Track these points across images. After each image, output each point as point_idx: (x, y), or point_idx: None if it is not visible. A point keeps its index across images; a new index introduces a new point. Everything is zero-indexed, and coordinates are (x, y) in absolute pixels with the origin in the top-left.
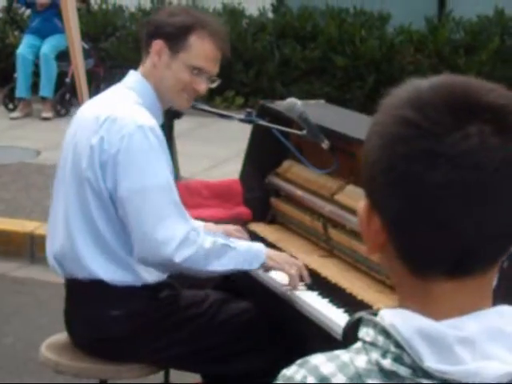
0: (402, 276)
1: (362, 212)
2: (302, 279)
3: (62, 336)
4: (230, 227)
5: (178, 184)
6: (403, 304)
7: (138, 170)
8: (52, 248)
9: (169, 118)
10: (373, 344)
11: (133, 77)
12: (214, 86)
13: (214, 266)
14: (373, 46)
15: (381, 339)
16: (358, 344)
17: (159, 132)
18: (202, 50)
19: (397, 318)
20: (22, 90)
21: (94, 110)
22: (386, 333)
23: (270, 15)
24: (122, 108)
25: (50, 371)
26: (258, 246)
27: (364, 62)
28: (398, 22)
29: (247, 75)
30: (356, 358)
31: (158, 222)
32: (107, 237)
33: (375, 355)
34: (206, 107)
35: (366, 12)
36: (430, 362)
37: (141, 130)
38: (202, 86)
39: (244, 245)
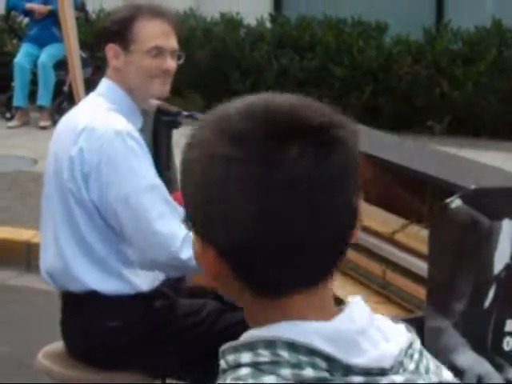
0: (250, 300)
1: (196, 247)
2: None
3: (59, 344)
4: None
5: (175, 194)
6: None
7: (123, 176)
8: (43, 262)
9: (167, 129)
10: (274, 362)
11: (103, 83)
12: (181, 61)
13: None
14: (370, 56)
15: (285, 354)
16: (242, 371)
17: (137, 136)
18: (149, 31)
19: (282, 330)
20: (19, 98)
21: (69, 120)
22: (289, 346)
23: (268, 25)
24: (98, 117)
25: (47, 379)
26: None
27: (362, 72)
28: (396, 31)
29: (244, 85)
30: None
31: (155, 222)
32: (96, 247)
33: (286, 371)
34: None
35: (364, 22)
36: (347, 359)
37: (119, 136)
38: (168, 63)
39: None
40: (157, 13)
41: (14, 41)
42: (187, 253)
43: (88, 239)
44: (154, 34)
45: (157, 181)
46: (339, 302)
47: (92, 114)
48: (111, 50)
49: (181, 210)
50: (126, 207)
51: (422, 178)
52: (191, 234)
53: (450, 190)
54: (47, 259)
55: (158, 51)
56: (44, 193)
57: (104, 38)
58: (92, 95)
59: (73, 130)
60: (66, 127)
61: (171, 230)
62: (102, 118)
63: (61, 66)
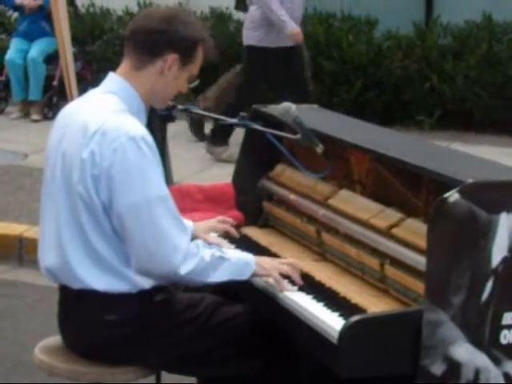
0: None
1: None
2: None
3: (56, 339)
4: (215, 223)
5: (170, 188)
6: None
7: (135, 184)
8: (44, 259)
9: (162, 122)
10: None
11: (114, 80)
12: (192, 85)
13: (212, 278)
14: (360, 51)
15: None
16: None
17: (150, 140)
18: (201, 58)
19: None
20: (18, 94)
21: (79, 117)
22: None
23: None
24: (111, 119)
25: (42, 374)
26: (247, 256)
27: (351, 66)
28: (386, 26)
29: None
30: None
31: (160, 236)
32: (100, 249)
33: None
34: (201, 111)
35: (354, 17)
36: None
37: (133, 142)
38: (186, 88)
39: (235, 255)
40: (209, 44)
41: (4, 35)
42: (186, 268)
43: (93, 241)
44: (200, 63)
45: (166, 192)
46: (336, 295)
47: (104, 116)
48: (173, 60)
49: (187, 225)
50: (133, 215)
51: (419, 172)
52: (191, 246)
53: (447, 184)
54: (48, 256)
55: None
56: (45, 190)
57: (170, 44)
58: (99, 92)
59: (83, 132)
60: (73, 126)
61: (175, 243)
62: (115, 121)
63: (51, 60)
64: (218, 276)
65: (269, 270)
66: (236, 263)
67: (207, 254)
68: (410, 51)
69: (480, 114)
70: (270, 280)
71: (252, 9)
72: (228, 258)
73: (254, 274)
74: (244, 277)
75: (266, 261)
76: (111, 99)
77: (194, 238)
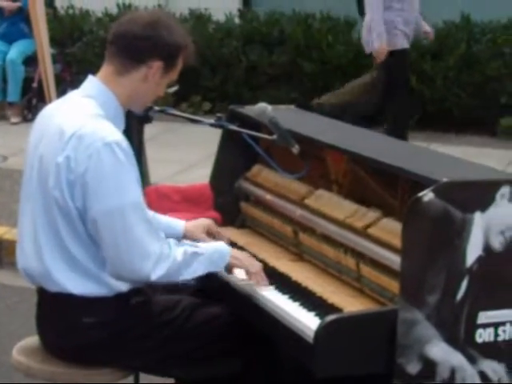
0: None
1: None
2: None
3: (34, 340)
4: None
5: (147, 189)
6: None
7: (109, 191)
8: (21, 261)
9: (139, 123)
10: None
11: (93, 84)
12: (171, 90)
13: (185, 275)
14: (339, 52)
15: None
16: None
17: (126, 145)
18: (181, 66)
19: None
20: None
21: (57, 121)
22: None
23: (237, 21)
24: (88, 124)
25: (21, 375)
26: (223, 247)
27: (331, 67)
28: None
29: (214, 81)
30: None
31: (132, 243)
32: (76, 253)
33: None
34: (177, 112)
35: (333, 17)
36: None
37: (108, 148)
38: (164, 92)
39: (210, 247)
40: (190, 50)
41: None
42: (158, 273)
43: (69, 245)
44: (181, 67)
45: (140, 198)
46: (313, 294)
47: (81, 121)
48: (158, 68)
49: (160, 231)
50: (107, 222)
51: (395, 171)
52: (164, 249)
53: (422, 183)
54: (24, 257)
55: None
56: (23, 192)
57: (155, 51)
58: (76, 95)
59: (60, 136)
60: (50, 130)
61: (147, 250)
62: (92, 126)
63: (30, 62)
64: (192, 272)
65: (243, 261)
66: (210, 256)
67: (179, 253)
68: None
69: (460, 115)
70: (244, 273)
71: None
72: (201, 253)
73: (229, 265)
74: (219, 268)
75: (241, 254)
76: (89, 104)
77: (187, 237)
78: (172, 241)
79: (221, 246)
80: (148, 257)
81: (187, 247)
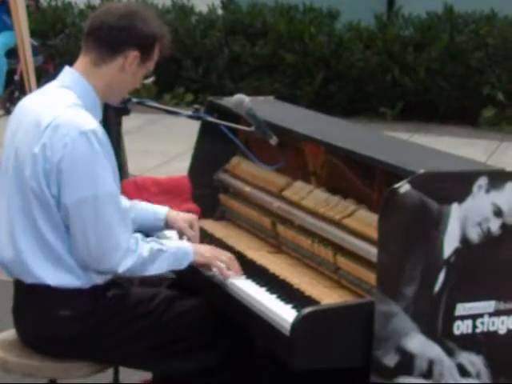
0: None
1: None
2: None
3: (10, 333)
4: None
5: (126, 181)
6: None
7: (83, 179)
8: None
9: (117, 115)
10: None
11: (70, 75)
12: (148, 81)
13: (150, 271)
14: (322, 43)
15: None
16: None
17: (102, 135)
18: (157, 56)
19: None
20: None
21: (34, 111)
22: None
23: (220, 12)
24: (64, 113)
25: None
26: (186, 245)
27: (313, 58)
28: (347, 18)
29: (196, 72)
30: None
31: (102, 233)
32: (53, 243)
33: None
34: (155, 104)
35: (315, 9)
36: None
37: (84, 136)
38: (140, 84)
39: (174, 245)
40: (167, 40)
41: None
42: (125, 266)
43: (45, 235)
44: (157, 58)
45: (114, 189)
46: (290, 287)
47: (57, 110)
48: (134, 57)
49: (128, 221)
50: (79, 210)
51: (372, 163)
52: (131, 244)
53: (399, 174)
54: (1, 250)
55: None
56: (0, 183)
57: (130, 41)
58: (53, 86)
59: (36, 126)
60: (27, 121)
61: (116, 242)
62: (68, 115)
63: (12, 54)
64: (156, 268)
65: (208, 258)
66: (174, 254)
67: (145, 249)
68: (372, 43)
69: (442, 105)
70: (214, 269)
71: None
72: (166, 250)
73: (194, 263)
74: (182, 266)
75: (206, 249)
76: (66, 94)
77: (170, 225)
78: (139, 236)
79: (184, 243)
80: (117, 248)
81: (153, 244)
